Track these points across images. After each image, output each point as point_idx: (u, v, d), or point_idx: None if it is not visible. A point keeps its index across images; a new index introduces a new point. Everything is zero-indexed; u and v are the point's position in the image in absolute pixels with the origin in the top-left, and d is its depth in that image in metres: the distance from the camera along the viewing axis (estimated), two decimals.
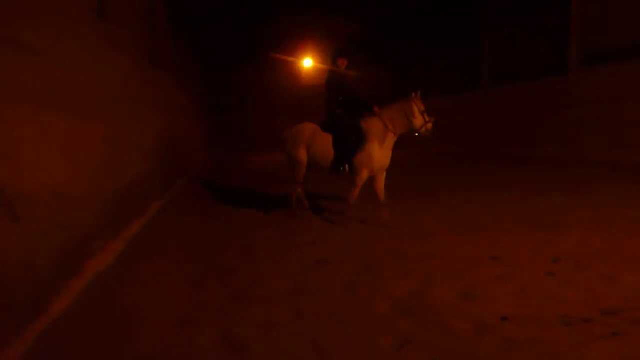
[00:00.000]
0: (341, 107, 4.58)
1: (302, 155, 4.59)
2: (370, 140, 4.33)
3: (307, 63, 22.37)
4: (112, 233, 3.59)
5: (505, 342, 1.96)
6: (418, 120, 4.29)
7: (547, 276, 2.79)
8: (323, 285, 2.77)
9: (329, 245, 3.76)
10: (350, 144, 4.35)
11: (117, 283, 2.86)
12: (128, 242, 3.80)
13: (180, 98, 9.45)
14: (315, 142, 4.54)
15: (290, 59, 21.71)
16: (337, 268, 3.11)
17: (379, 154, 4.32)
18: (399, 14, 16.72)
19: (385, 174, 4.48)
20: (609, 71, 9.69)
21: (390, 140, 4.37)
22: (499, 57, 14.96)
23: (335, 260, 3.29)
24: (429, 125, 4.32)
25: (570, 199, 5.38)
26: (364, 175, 4.37)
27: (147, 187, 5.01)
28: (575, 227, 4.00)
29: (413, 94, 4.34)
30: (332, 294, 2.63)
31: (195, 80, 16.06)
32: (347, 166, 4.41)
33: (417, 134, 4.38)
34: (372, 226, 4.35)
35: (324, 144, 4.49)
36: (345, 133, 4.39)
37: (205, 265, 3.27)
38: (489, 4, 14.03)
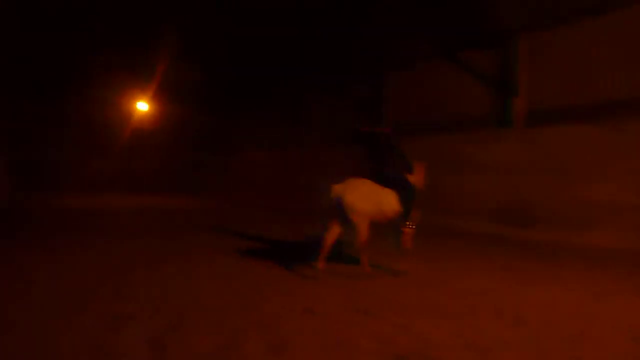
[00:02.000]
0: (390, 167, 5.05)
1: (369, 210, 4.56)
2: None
3: (142, 106, 21.47)
4: None
5: None
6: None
7: (353, 326, 2.95)
8: (124, 344, 2.51)
9: (135, 299, 3.46)
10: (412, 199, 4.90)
11: None
12: None
13: None
14: (384, 197, 4.67)
15: (118, 98, 20.54)
16: (143, 324, 2.87)
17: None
18: (236, 64, 17.15)
19: None
20: (407, 142, 11.24)
21: None
22: (323, 119, 16.28)
23: (144, 316, 3.04)
24: None
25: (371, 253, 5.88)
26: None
27: None
28: (386, 280, 4.36)
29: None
30: (134, 354, 2.40)
31: None
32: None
33: None
34: (190, 279, 4.18)
35: (391, 199, 4.71)
36: (408, 189, 4.90)
37: None
38: (310, 76, 15.45)
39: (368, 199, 4.53)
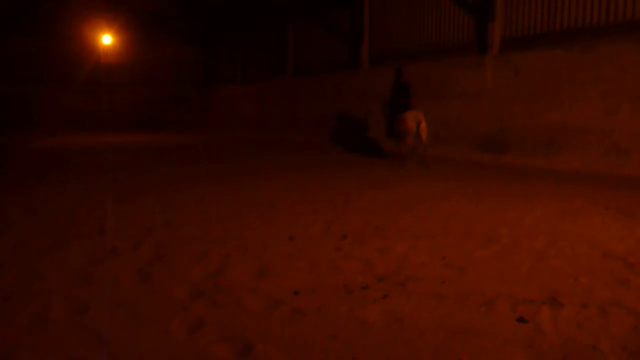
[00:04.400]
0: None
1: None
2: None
3: (106, 40, 20.57)
4: None
5: (294, 313, 2.09)
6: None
7: (334, 251, 3.05)
8: (110, 275, 2.58)
9: (120, 233, 3.50)
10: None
11: None
12: None
13: None
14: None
15: (85, 32, 19.65)
16: (128, 257, 2.92)
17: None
18: None
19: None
20: (388, 71, 11.10)
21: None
22: (301, 50, 15.85)
23: (127, 249, 3.09)
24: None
25: (357, 181, 6.00)
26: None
27: None
28: (360, 207, 4.48)
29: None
30: (121, 284, 2.46)
31: None
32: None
33: None
34: (172, 213, 4.22)
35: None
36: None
37: None
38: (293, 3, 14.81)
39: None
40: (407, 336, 1.87)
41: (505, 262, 2.81)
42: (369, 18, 12.58)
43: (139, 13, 19.12)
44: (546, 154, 7.85)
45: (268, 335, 1.87)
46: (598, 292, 2.30)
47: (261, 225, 3.78)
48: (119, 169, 7.48)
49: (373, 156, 9.28)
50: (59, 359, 1.72)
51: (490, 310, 2.10)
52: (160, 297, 2.29)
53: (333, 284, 2.45)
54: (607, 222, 3.80)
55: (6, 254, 2.97)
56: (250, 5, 16.26)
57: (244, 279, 2.53)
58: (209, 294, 2.30)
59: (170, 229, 3.63)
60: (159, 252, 3.02)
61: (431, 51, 10.74)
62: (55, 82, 20.07)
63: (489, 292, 2.32)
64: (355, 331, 1.91)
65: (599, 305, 2.13)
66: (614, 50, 7.07)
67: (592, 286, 2.38)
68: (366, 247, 3.15)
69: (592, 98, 7.33)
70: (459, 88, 9.38)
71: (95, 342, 1.82)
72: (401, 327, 1.95)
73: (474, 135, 9.07)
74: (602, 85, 7.20)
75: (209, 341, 1.83)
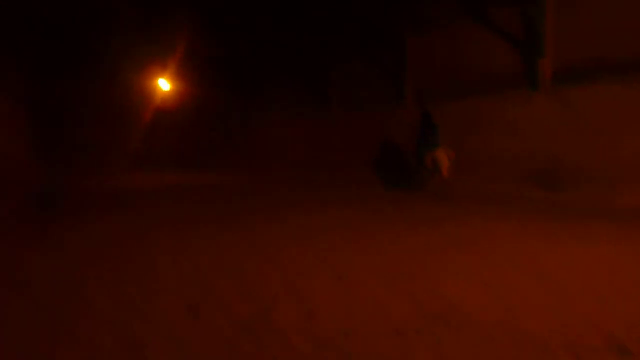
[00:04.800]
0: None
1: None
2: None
3: (164, 85, 21.69)
4: None
5: (343, 355, 2.03)
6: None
7: (385, 291, 2.98)
8: (161, 310, 2.61)
9: (171, 270, 3.56)
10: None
11: None
12: None
13: None
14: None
15: (144, 78, 20.78)
16: (178, 293, 2.96)
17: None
18: (255, 36, 17.07)
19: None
20: (434, 106, 11.09)
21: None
22: (346, 87, 16.12)
23: (177, 285, 3.13)
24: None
25: (407, 220, 5.89)
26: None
27: None
28: (412, 245, 4.38)
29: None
30: (172, 319, 2.48)
31: (19, 87, 14.22)
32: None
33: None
34: (221, 250, 4.27)
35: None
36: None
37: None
38: (338, 39, 15.13)
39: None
40: None
41: (562, 305, 2.65)
42: (412, 55, 12.70)
43: (190, 56, 20.06)
44: (602, 191, 7.50)
45: None
46: None
47: (308, 262, 3.75)
48: (172, 208, 7.69)
49: (417, 192, 9.14)
50: None
51: (552, 358, 1.97)
52: (210, 333, 2.29)
53: (383, 325, 2.38)
54: None
55: (64, 288, 3.06)
56: (294, 45, 16.73)
57: (292, 319, 2.49)
58: (258, 333, 2.28)
59: (219, 266, 3.66)
60: (207, 289, 3.04)
61: (478, 86, 10.66)
62: (115, 124, 21.22)
63: (548, 337, 2.18)
64: None
65: None
66: None
67: None
68: (417, 287, 3.06)
69: None
70: (508, 123, 9.21)
71: None
72: None
73: (525, 171, 8.81)
74: None
75: None
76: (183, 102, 22.51)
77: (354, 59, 15.31)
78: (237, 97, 22.97)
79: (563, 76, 8.74)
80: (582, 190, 7.75)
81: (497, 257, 3.88)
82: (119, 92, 21.15)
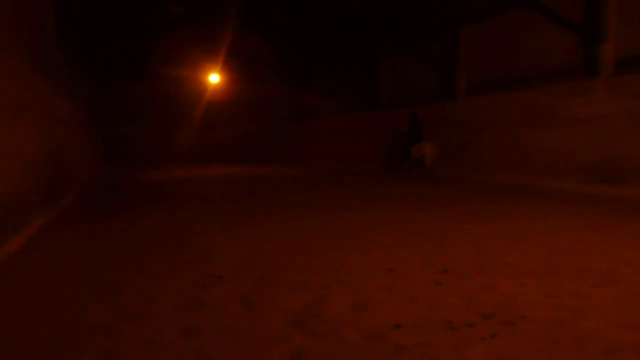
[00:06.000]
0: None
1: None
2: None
3: (214, 79, 22.17)
4: None
5: (395, 348, 2.03)
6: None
7: (435, 285, 2.95)
8: (217, 301, 2.70)
9: (224, 260, 3.67)
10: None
11: None
12: (2, 262, 3.41)
13: (68, 108, 8.79)
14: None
15: (193, 73, 21.37)
16: (232, 283, 3.05)
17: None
18: (303, 31, 17.19)
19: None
20: (487, 99, 10.76)
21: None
22: (394, 82, 15.93)
23: (231, 275, 3.22)
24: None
25: (452, 214, 5.79)
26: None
27: (26, 202, 4.56)
28: (457, 240, 4.31)
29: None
30: (227, 310, 2.56)
31: (84, 90, 15.06)
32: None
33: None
34: (271, 242, 4.35)
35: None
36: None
37: (90, 285, 3.04)
38: (387, 34, 14.96)
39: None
40: None
41: (630, 306, 2.53)
42: (465, 47, 12.37)
43: (238, 53, 20.44)
44: None
45: None
46: None
47: (358, 256, 3.76)
48: (221, 199, 7.91)
49: (469, 187, 8.94)
50: None
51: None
52: (263, 324, 2.34)
53: (435, 319, 2.36)
54: None
55: (125, 277, 3.22)
56: (345, 42, 16.70)
57: (343, 311, 2.51)
58: (309, 324, 2.31)
59: (270, 258, 3.74)
60: (260, 280, 3.11)
61: (533, 77, 10.27)
62: (165, 120, 21.97)
63: (612, 339, 2.09)
64: None
65: None
66: None
67: None
68: (469, 282, 3.01)
69: None
70: (566, 115, 8.81)
71: None
72: None
73: (584, 166, 8.41)
74: None
75: None
76: (234, 97, 23.00)
77: (404, 54, 15.10)
78: (289, 92, 23.22)
79: (627, 62, 8.26)
80: None
81: (552, 254, 3.76)
82: (170, 88, 21.85)
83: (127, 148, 21.08)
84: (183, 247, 4.19)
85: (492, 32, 11.61)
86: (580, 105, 8.51)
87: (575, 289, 2.82)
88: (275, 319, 2.40)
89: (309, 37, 17.59)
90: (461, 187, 9.14)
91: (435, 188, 9.24)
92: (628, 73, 7.93)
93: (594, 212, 5.80)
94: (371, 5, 13.63)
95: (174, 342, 2.13)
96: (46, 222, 5.06)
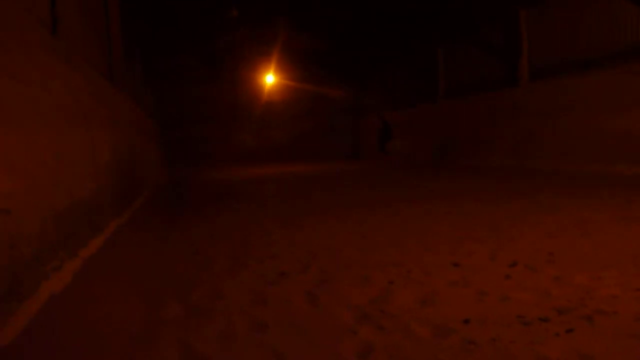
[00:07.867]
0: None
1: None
2: None
3: (270, 79, 22.55)
4: (67, 252, 3.44)
5: (465, 343, 1.99)
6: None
7: (504, 279, 2.86)
8: (284, 296, 2.76)
9: (289, 257, 3.74)
10: None
11: (74, 303, 2.75)
12: (85, 261, 3.65)
13: (136, 113, 9.26)
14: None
15: (250, 74, 21.83)
16: (297, 279, 3.10)
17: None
18: (356, 28, 17.11)
19: None
20: (553, 85, 10.24)
21: None
22: (453, 71, 15.50)
23: (295, 271, 3.28)
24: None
25: (521, 205, 5.57)
26: None
27: (104, 204, 4.85)
28: (527, 232, 4.14)
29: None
30: (293, 305, 2.61)
31: (149, 95, 15.85)
32: None
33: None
34: (333, 238, 4.39)
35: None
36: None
37: (163, 281, 3.20)
38: (442, 21, 14.59)
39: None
40: None
41: None
42: (526, 29, 11.83)
43: (294, 51, 20.65)
44: None
45: None
46: None
47: (421, 250, 3.71)
48: (282, 196, 8.05)
49: (538, 178, 8.57)
50: None
51: None
52: (329, 319, 2.37)
53: (505, 314, 2.29)
54: None
55: (195, 274, 3.36)
56: (398, 33, 16.46)
57: (409, 306, 2.49)
58: (376, 319, 2.31)
59: (332, 254, 3.77)
60: (323, 276, 3.14)
61: (601, 57, 9.66)
62: (226, 121, 22.61)
63: None
64: None
65: None
66: None
67: None
68: (540, 275, 2.89)
69: None
70: (636, 98, 8.22)
71: (274, 358, 1.96)
72: None
73: None
74: None
75: None
76: (291, 96, 23.30)
77: (461, 42, 14.66)
78: (346, 89, 23.20)
79: None
80: None
81: (630, 245, 3.54)
82: (231, 90, 22.43)
83: (190, 149, 21.88)
84: (248, 244, 4.31)
85: (553, 12, 11.02)
86: None
87: None
88: (340, 314, 2.42)
89: (362, 32, 17.45)
90: (530, 178, 8.76)
91: (501, 181, 8.93)
92: None
93: None
94: None
95: (244, 336, 2.20)
96: (122, 223, 5.37)
